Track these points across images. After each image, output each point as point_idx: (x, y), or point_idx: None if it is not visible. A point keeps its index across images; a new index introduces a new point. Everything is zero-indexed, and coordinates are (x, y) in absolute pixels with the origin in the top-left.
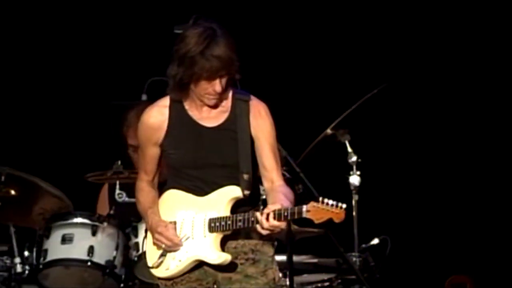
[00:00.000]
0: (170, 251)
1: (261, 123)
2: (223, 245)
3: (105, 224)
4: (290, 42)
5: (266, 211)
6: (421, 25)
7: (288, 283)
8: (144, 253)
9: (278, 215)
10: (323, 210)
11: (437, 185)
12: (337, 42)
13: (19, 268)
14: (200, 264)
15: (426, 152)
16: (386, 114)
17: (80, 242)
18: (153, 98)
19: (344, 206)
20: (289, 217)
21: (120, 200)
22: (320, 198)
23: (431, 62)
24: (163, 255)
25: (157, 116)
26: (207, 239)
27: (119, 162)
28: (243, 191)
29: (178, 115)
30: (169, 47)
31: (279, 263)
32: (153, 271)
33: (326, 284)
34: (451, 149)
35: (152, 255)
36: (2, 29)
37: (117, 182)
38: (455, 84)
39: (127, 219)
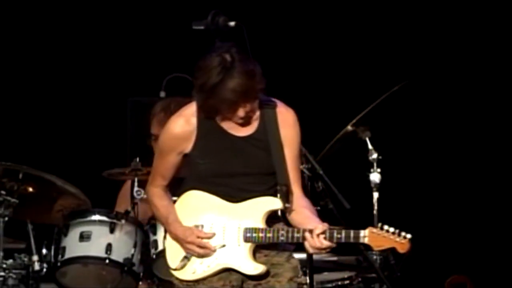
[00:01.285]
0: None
1: (288, 132)
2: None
3: (123, 221)
4: (311, 38)
5: (317, 231)
6: (442, 23)
7: (308, 281)
8: (162, 251)
9: (330, 237)
10: (384, 238)
11: (451, 183)
12: (359, 38)
13: (37, 266)
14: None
15: (446, 150)
16: (407, 111)
17: (98, 239)
18: (172, 95)
19: (409, 236)
20: (343, 240)
21: (138, 197)
22: (379, 224)
23: (452, 60)
24: (186, 257)
25: (184, 126)
26: (241, 249)
27: (137, 159)
28: (283, 203)
29: (207, 125)
30: (187, 43)
31: (299, 261)
32: (176, 273)
33: (346, 282)
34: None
35: (173, 257)
36: (20, 28)
37: (135, 179)
38: (477, 82)
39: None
